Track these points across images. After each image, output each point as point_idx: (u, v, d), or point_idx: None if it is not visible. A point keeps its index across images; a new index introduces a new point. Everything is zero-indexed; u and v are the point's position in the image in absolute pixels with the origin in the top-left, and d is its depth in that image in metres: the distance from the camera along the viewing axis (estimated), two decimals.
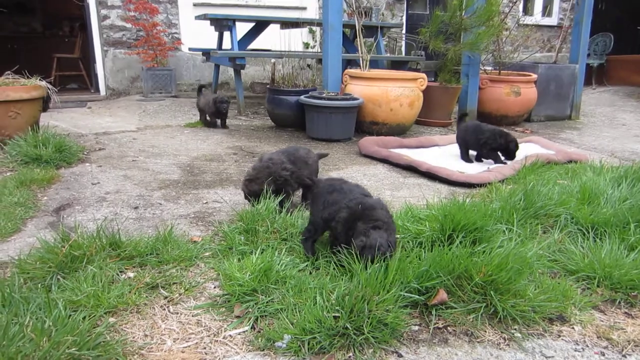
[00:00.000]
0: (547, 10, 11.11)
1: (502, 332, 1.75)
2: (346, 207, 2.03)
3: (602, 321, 1.86)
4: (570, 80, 6.89)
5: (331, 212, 2.07)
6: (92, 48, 7.98)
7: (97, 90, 8.12)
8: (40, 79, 4.33)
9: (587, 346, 1.71)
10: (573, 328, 1.81)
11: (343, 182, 2.31)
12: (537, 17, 10.18)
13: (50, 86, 4.36)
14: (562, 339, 1.74)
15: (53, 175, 3.41)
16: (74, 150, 3.95)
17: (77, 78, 9.00)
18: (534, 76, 6.46)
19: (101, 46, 7.93)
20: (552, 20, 11.47)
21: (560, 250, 2.33)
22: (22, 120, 4.09)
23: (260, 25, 7.05)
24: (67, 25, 10.93)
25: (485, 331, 1.76)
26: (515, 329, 1.77)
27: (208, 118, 5.61)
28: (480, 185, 3.52)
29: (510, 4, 6.99)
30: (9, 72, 4.38)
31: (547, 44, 11.20)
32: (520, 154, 4.29)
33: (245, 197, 2.76)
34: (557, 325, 1.82)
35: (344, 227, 2.00)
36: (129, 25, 7.83)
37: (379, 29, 7.14)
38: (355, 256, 1.86)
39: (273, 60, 6.84)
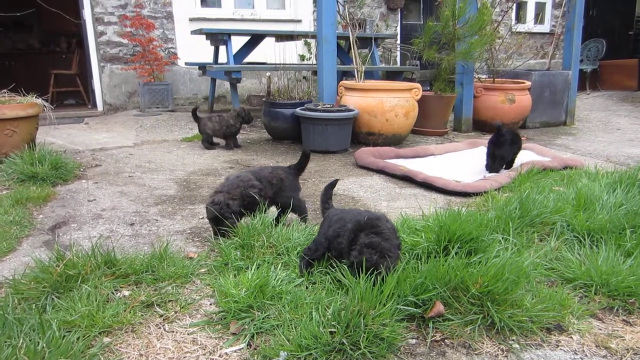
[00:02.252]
0: (539, 18, 11.20)
1: (500, 343, 1.74)
2: (352, 219, 2.06)
3: (600, 330, 1.85)
4: (564, 86, 6.93)
5: (336, 229, 2.09)
6: (89, 64, 8.01)
7: (95, 105, 8.15)
8: (36, 97, 4.35)
9: (586, 355, 1.70)
10: (571, 337, 1.80)
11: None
12: (529, 25, 10.26)
13: (46, 103, 4.37)
14: (561, 349, 1.73)
15: (49, 193, 3.40)
16: (70, 167, 3.95)
17: (74, 94, 9.03)
18: (528, 83, 6.49)
19: (98, 62, 7.96)
20: (545, 28, 11.56)
21: (557, 258, 2.32)
22: (19, 138, 4.10)
23: (256, 38, 7.10)
24: (64, 42, 10.98)
25: (483, 343, 1.75)
26: (513, 340, 1.76)
27: (218, 141, 5.24)
28: (476, 194, 3.52)
29: (503, 13, 7.05)
30: (5, 90, 4.40)
31: (541, 50, 11.28)
32: (516, 162, 4.30)
33: (214, 223, 2.56)
34: (555, 335, 1.81)
35: (348, 240, 2.00)
36: (125, 41, 7.88)
37: (373, 40, 7.19)
38: (351, 271, 1.87)
39: (268, 73, 6.87)
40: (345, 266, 1.96)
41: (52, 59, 10.43)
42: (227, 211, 2.47)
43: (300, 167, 2.90)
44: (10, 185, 3.57)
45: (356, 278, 1.83)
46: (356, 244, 1.94)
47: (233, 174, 2.75)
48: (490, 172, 4.20)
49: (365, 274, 1.81)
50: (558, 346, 1.75)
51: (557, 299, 1.93)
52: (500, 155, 4.17)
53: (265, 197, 2.66)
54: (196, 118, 5.13)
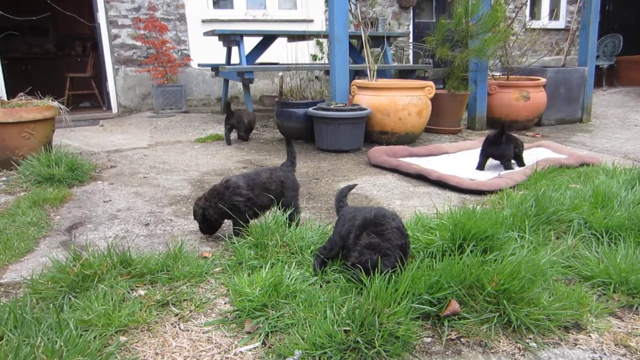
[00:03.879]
0: (554, 14, 11.06)
1: (516, 342, 1.72)
2: (361, 217, 2.08)
3: (619, 328, 1.82)
4: (580, 82, 6.83)
5: (348, 227, 2.10)
6: (104, 67, 8.11)
7: (109, 107, 8.24)
8: (52, 100, 4.41)
9: (605, 354, 1.67)
10: (590, 336, 1.77)
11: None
12: (544, 21, 10.15)
13: (62, 106, 4.43)
14: (579, 348, 1.70)
15: (65, 194, 3.45)
16: (86, 168, 4.00)
17: (89, 96, 9.15)
18: (543, 80, 6.41)
19: (112, 65, 8.05)
20: (560, 24, 11.42)
21: (574, 256, 2.29)
22: (36, 141, 4.16)
23: (268, 39, 7.12)
24: (79, 45, 11.12)
25: (500, 341, 1.73)
26: (530, 339, 1.74)
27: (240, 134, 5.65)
28: (491, 192, 3.49)
29: (517, 9, 6.97)
30: (22, 93, 4.47)
31: (556, 47, 11.14)
32: (531, 159, 4.25)
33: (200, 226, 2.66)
34: (573, 334, 1.78)
35: (354, 238, 2.01)
36: (139, 44, 7.96)
37: (385, 38, 7.16)
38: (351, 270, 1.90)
39: (281, 73, 6.88)
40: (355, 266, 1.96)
41: (67, 62, 10.58)
42: (198, 216, 2.58)
43: (293, 160, 2.83)
44: (28, 186, 3.63)
45: (355, 278, 1.86)
46: (357, 244, 1.96)
47: (225, 176, 2.70)
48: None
49: (366, 275, 1.82)
50: (576, 345, 1.72)
51: (575, 297, 1.90)
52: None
53: (252, 206, 2.56)
54: (230, 111, 5.45)
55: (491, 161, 4.32)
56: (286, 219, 2.52)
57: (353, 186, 2.63)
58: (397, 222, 2.05)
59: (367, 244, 1.93)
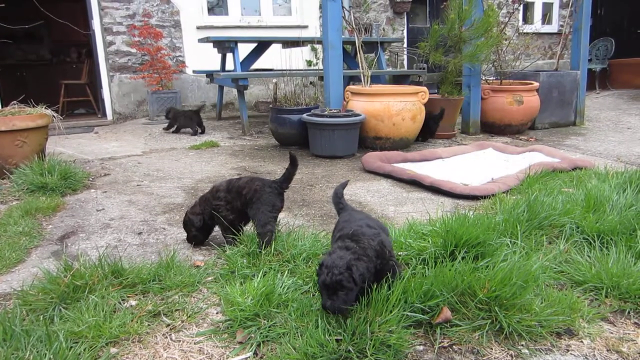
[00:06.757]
0: (547, 18, 11.14)
1: (508, 348, 1.72)
2: (346, 230, 1.98)
3: (611, 333, 1.83)
4: (573, 86, 6.86)
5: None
6: (99, 74, 8.10)
7: (104, 114, 8.23)
8: (45, 107, 4.40)
9: None
10: (582, 341, 1.77)
11: (363, 214, 2.25)
12: (537, 25, 10.20)
13: (55, 114, 4.41)
14: (571, 354, 1.71)
15: (58, 203, 3.43)
16: (80, 176, 3.98)
17: (84, 103, 9.13)
18: (536, 84, 6.44)
19: (107, 71, 8.05)
20: (553, 28, 11.49)
21: (567, 261, 2.29)
22: (29, 149, 4.14)
23: (262, 45, 7.13)
24: (74, 52, 11.11)
25: (492, 348, 1.73)
26: (522, 345, 1.74)
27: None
28: (484, 197, 3.49)
29: (509, 14, 7.01)
30: (15, 101, 4.45)
31: (549, 51, 11.21)
32: (524, 163, 4.27)
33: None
34: (565, 340, 1.78)
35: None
36: (134, 50, 7.96)
37: (379, 44, 7.18)
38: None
39: (275, 79, 6.89)
40: None
41: (62, 69, 10.56)
42: (189, 226, 2.64)
43: (286, 179, 2.56)
44: (20, 195, 3.61)
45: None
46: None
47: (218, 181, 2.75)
48: None
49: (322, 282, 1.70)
50: (568, 351, 1.72)
51: (567, 303, 1.90)
52: None
53: (232, 209, 2.54)
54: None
55: (486, 167, 4.33)
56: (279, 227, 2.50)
57: (346, 183, 2.54)
58: (375, 243, 1.85)
59: (339, 246, 1.78)
